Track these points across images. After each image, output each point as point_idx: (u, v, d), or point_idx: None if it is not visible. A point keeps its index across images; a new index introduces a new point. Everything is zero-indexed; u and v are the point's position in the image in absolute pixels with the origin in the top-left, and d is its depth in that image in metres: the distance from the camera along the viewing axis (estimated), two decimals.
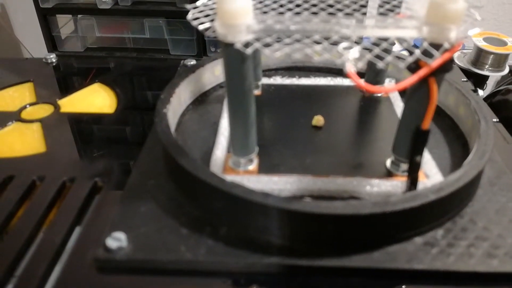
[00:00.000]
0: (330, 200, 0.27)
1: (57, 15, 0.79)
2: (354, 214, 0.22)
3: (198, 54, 0.77)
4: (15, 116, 0.39)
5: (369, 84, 0.32)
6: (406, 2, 0.28)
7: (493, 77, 0.59)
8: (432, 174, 0.28)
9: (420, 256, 0.23)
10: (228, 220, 0.25)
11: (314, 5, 0.27)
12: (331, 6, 0.27)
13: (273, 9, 0.26)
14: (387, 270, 0.23)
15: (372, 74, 0.38)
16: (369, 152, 0.32)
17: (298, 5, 0.27)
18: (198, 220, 0.25)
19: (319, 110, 0.35)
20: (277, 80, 0.41)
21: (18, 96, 0.43)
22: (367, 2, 0.30)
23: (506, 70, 0.54)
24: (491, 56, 0.53)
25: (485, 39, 0.54)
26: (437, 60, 0.21)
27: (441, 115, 0.35)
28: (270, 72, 0.42)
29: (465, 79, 0.45)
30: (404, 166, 0.28)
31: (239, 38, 0.22)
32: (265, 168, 0.29)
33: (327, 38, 0.22)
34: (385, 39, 0.22)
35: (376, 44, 0.22)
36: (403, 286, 0.23)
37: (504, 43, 0.54)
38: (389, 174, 0.29)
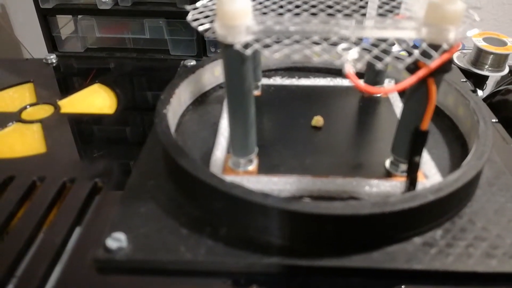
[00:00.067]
0: (329, 200, 0.27)
1: (57, 16, 0.79)
2: (353, 215, 0.22)
3: (198, 54, 0.77)
4: (15, 117, 0.40)
5: (368, 85, 0.32)
6: (405, 3, 0.28)
7: (493, 77, 0.59)
8: (431, 174, 0.28)
9: (419, 256, 0.23)
10: (228, 220, 0.25)
11: (314, 6, 0.27)
12: (330, 7, 0.27)
13: (273, 10, 0.27)
14: (387, 270, 0.23)
15: (372, 74, 0.38)
16: (369, 152, 0.32)
17: (297, 6, 0.27)
18: (198, 221, 0.25)
19: (319, 111, 0.35)
20: (277, 80, 0.41)
21: (18, 96, 0.43)
22: (366, 3, 0.30)
23: (506, 70, 0.54)
24: (491, 56, 0.53)
25: (485, 39, 0.54)
26: (436, 61, 0.21)
27: (440, 115, 0.35)
28: (270, 72, 0.42)
29: (464, 80, 0.45)
30: (403, 167, 0.28)
31: (239, 39, 0.22)
32: (265, 168, 0.29)
33: (326, 39, 0.22)
34: (384, 40, 0.22)
35: (375, 45, 0.22)
36: (403, 286, 0.23)
37: (503, 43, 0.54)
38: (388, 174, 0.29)
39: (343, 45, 0.21)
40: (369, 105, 0.37)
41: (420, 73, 0.22)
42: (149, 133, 0.34)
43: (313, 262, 0.23)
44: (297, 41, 0.22)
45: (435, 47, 0.22)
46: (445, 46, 0.21)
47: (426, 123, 0.24)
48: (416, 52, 0.22)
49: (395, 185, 0.27)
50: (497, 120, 0.38)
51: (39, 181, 0.31)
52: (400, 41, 0.23)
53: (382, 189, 0.27)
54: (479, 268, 0.23)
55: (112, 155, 0.34)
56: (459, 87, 0.34)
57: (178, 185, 0.28)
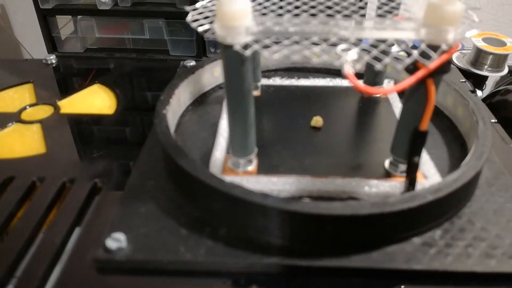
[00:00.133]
0: (329, 200, 0.27)
1: (57, 16, 0.78)
2: (352, 215, 0.22)
3: (197, 54, 0.77)
4: (15, 117, 0.40)
5: (367, 85, 0.32)
6: (404, 4, 0.28)
7: (492, 77, 0.59)
8: (430, 174, 0.28)
9: (418, 256, 0.23)
10: (227, 220, 0.25)
11: (313, 7, 0.27)
12: (329, 8, 0.27)
13: (272, 11, 0.27)
14: (386, 270, 0.23)
15: (371, 75, 0.38)
16: (368, 152, 0.32)
17: (297, 7, 0.27)
18: (197, 221, 0.25)
19: (318, 111, 0.35)
20: (276, 81, 0.41)
21: (18, 97, 0.44)
22: (365, 4, 0.30)
23: (505, 71, 0.54)
24: (490, 57, 0.53)
25: (484, 40, 0.54)
26: (435, 61, 0.22)
27: (439, 115, 0.35)
28: (270, 73, 0.42)
29: (463, 80, 0.45)
30: (403, 167, 0.28)
31: (238, 40, 0.22)
32: (264, 168, 0.29)
33: (325, 40, 0.22)
34: (384, 41, 0.22)
35: (374, 46, 0.22)
36: (402, 286, 0.23)
37: (503, 44, 0.54)
38: (387, 174, 0.29)
39: (342, 46, 0.21)
40: (368, 106, 0.37)
41: (419, 74, 0.22)
42: (148, 134, 0.34)
43: (313, 262, 0.23)
44: (296, 42, 0.22)
45: (434, 47, 0.22)
46: (444, 47, 0.21)
47: (425, 124, 0.24)
48: (415, 53, 0.22)
49: (395, 185, 0.27)
50: (496, 121, 0.38)
51: (39, 181, 0.31)
52: (399, 42, 0.23)
53: (382, 190, 0.27)
54: (478, 268, 0.23)
55: (111, 156, 0.34)
56: (458, 88, 0.34)
57: (177, 186, 0.28)
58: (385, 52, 0.21)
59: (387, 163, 0.29)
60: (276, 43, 0.22)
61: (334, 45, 0.22)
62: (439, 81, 0.24)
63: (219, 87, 0.40)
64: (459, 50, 0.59)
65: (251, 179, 0.28)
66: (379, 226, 0.24)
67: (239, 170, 0.29)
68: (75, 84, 0.47)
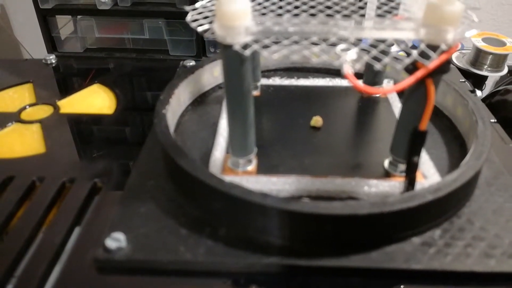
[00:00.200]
0: (328, 200, 0.27)
1: (57, 16, 0.78)
2: (352, 215, 0.22)
3: (197, 54, 0.77)
4: (15, 117, 0.40)
5: (367, 85, 0.32)
6: (404, 4, 0.28)
7: (492, 77, 0.59)
8: (429, 174, 0.28)
9: (417, 256, 0.23)
10: (227, 220, 0.25)
11: (313, 7, 0.27)
12: (329, 8, 0.27)
13: (272, 11, 0.27)
14: (385, 270, 0.23)
15: (370, 75, 0.38)
16: (367, 152, 0.32)
17: (296, 7, 0.27)
18: (197, 221, 0.25)
19: (318, 111, 0.35)
20: (276, 81, 0.41)
21: (18, 97, 0.44)
22: (365, 4, 0.30)
23: (505, 71, 0.54)
24: (490, 57, 0.53)
25: (484, 40, 0.54)
26: (435, 61, 0.22)
27: (439, 115, 0.35)
28: (269, 72, 0.42)
29: (463, 80, 0.45)
30: (402, 167, 0.28)
31: (238, 40, 0.22)
32: (264, 168, 0.29)
33: (325, 40, 0.22)
34: (383, 41, 0.22)
35: (374, 46, 0.22)
36: (401, 286, 0.23)
37: (503, 44, 0.54)
38: (387, 174, 0.29)
39: (342, 46, 0.21)
40: (368, 106, 0.37)
41: (419, 74, 0.22)
42: (148, 133, 0.34)
43: (312, 262, 0.23)
44: (296, 42, 0.22)
45: (434, 47, 0.22)
46: (443, 46, 0.21)
47: (425, 123, 0.24)
48: (415, 53, 0.22)
49: (394, 185, 0.27)
50: (495, 120, 0.38)
51: (39, 181, 0.31)
52: (398, 42, 0.23)
53: (381, 189, 0.27)
54: (478, 268, 0.23)
55: (111, 155, 0.34)
56: (458, 87, 0.34)
57: (177, 185, 0.28)
58: (385, 52, 0.21)
59: (386, 163, 0.29)
60: (276, 43, 0.22)
61: (334, 45, 0.22)
62: (438, 81, 0.24)
63: (218, 87, 0.40)
64: (459, 50, 0.59)
65: (251, 179, 0.28)
66: (379, 226, 0.24)
67: (238, 170, 0.29)
68: (75, 84, 0.47)
